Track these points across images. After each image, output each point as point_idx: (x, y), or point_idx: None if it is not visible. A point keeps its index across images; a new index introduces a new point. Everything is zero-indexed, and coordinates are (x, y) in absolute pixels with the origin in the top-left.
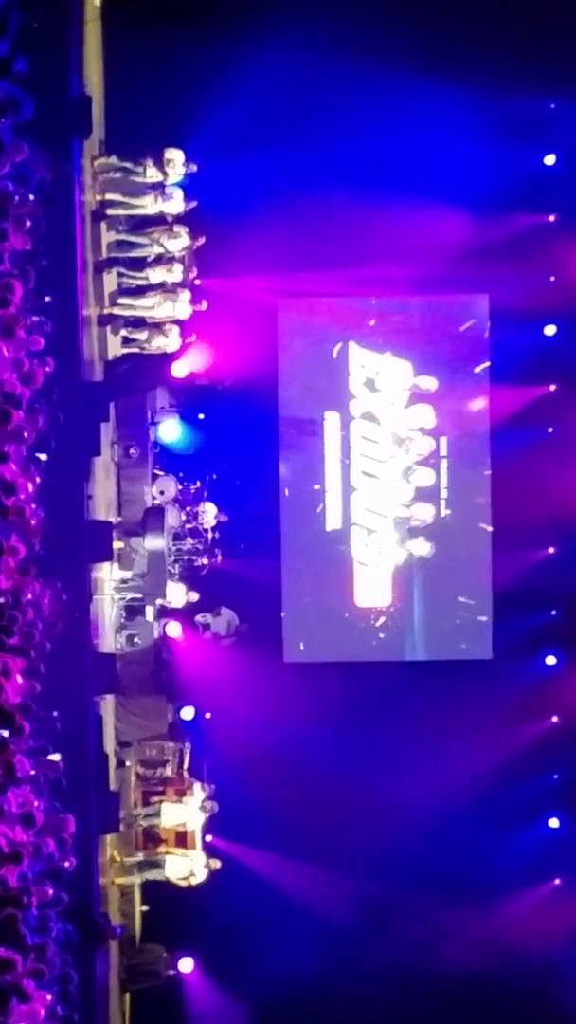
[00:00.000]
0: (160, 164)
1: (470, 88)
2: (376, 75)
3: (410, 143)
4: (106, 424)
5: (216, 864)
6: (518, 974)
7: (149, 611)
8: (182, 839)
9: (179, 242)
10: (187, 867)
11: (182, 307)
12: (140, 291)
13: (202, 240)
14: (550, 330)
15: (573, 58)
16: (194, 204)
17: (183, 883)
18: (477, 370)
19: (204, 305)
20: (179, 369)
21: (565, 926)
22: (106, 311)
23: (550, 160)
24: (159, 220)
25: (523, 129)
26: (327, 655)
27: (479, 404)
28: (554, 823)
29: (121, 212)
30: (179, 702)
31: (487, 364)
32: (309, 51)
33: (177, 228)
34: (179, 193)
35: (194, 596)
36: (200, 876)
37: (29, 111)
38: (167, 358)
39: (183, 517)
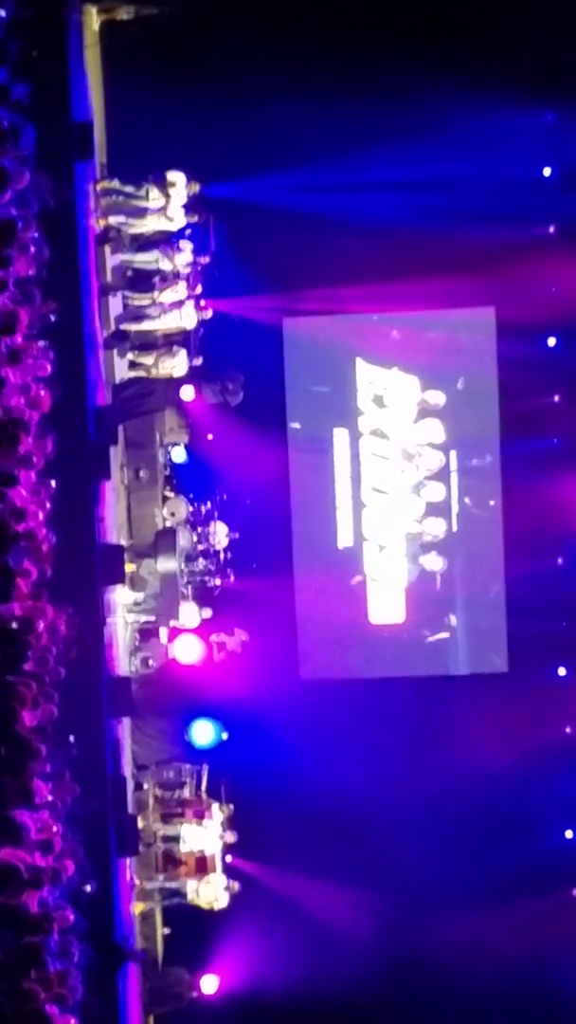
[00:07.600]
0: (162, 186)
1: (468, 101)
2: (376, 92)
3: (411, 158)
4: (115, 447)
5: (235, 887)
6: (530, 986)
7: (163, 632)
8: (202, 864)
9: (183, 258)
10: (210, 893)
11: (188, 316)
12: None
13: (206, 259)
14: (551, 341)
15: (569, 69)
16: (195, 219)
17: (206, 907)
18: (484, 383)
19: (209, 313)
20: (187, 392)
21: None
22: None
23: (547, 172)
24: (163, 241)
25: (521, 141)
26: (343, 672)
27: (487, 417)
28: (571, 834)
29: (125, 234)
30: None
31: (494, 376)
32: (309, 69)
33: (182, 244)
34: (181, 213)
35: (207, 613)
36: (222, 902)
37: (30, 138)
38: (174, 380)
39: (194, 538)
